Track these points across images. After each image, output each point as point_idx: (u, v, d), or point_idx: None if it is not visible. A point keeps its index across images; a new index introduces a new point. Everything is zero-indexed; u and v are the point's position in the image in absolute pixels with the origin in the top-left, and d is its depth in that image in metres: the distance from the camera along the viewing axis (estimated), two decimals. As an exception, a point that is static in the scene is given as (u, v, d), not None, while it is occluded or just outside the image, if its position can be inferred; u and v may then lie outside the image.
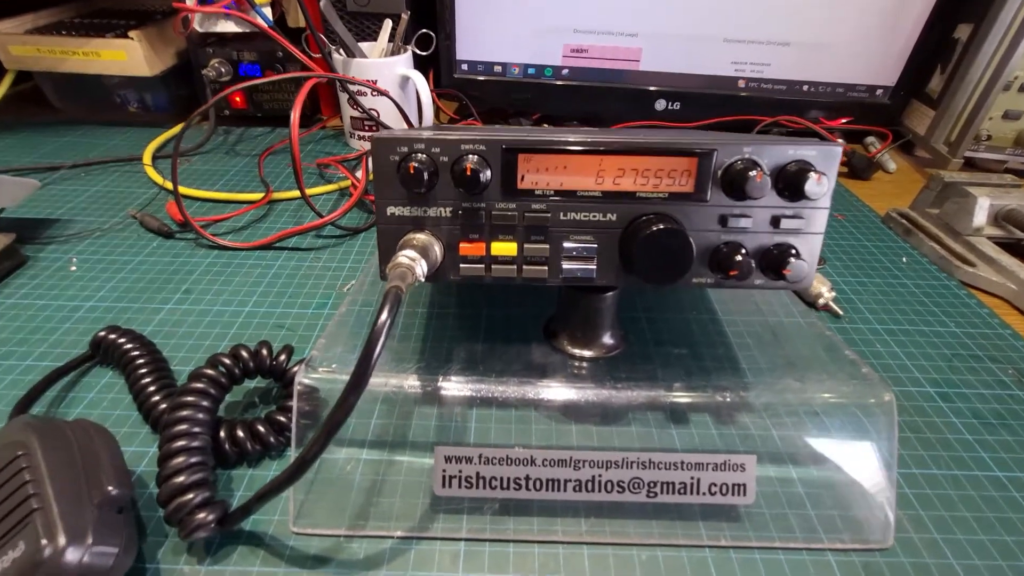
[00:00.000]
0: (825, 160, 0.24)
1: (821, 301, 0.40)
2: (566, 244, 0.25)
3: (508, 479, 0.25)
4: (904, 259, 0.47)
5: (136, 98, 0.69)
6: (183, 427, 0.25)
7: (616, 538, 0.25)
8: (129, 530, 0.22)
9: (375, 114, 0.60)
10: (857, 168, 0.62)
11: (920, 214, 0.51)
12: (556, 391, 0.27)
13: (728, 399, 0.27)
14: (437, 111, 0.70)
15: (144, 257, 0.44)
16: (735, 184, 0.24)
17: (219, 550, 0.25)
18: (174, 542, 0.25)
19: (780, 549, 0.25)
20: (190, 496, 0.23)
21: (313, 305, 0.40)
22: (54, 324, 0.37)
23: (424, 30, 0.64)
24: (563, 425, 0.30)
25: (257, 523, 0.26)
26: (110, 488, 0.22)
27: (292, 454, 0.28)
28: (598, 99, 0.69)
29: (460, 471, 0.25)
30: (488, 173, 0.24)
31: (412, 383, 0.27)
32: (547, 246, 0.25)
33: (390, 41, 0.62)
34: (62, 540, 0.20)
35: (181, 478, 0.23)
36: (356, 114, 0.62)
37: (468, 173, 0.23)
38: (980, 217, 0.46)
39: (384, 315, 0.19)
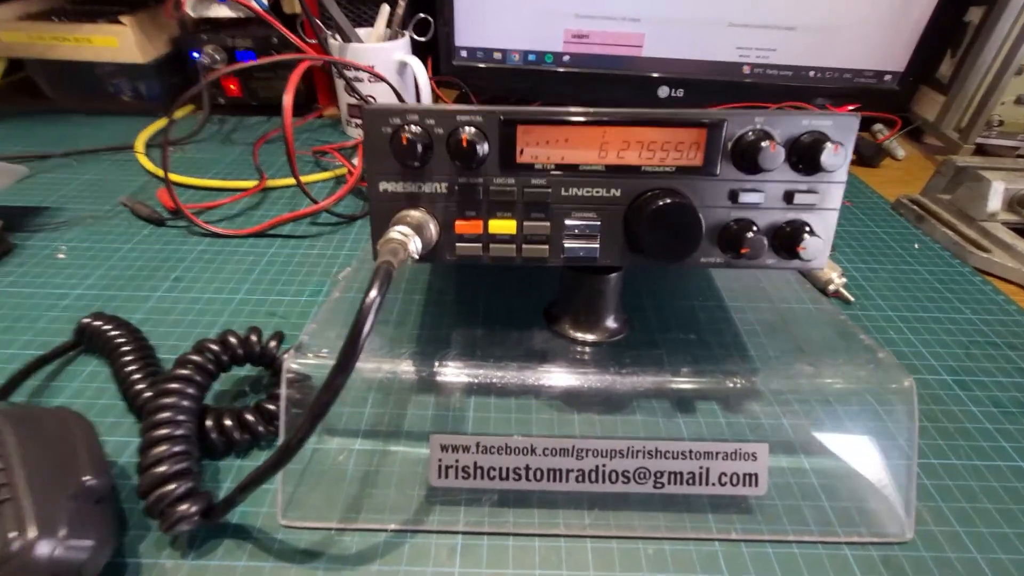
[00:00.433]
0: (842, 130, 0.22)
1: (831, 287, 0.38)
2: (568, 222, 0.24)
3: (507, 469, 0.24)
4: (916, 245, 0.46)
5: (129, 87, 0.67)
6: (166, 415, 0.24)
7: (621, 531, 0.24)
8: (107, 522, 0.21)
9: (372, 101, 0.59)
10: (865, 155, 0.61)
11: (932, 200, 0.49)
12: (557, 377, 0.26)
13: (737, 385, 0.26)
14: (436, 99, 0.69)
15: (134, 245, 0.43)
16: (746, 156, 0.22)
17: (204, 544, 0.23)
18: (157, 535, 0.24)
19: (794, 543, 0.24)
20: (172, 487, 0.22)
21: (307, 293, 0.39)
22: (40, 312, 0.36)
23: (422, 15, 0.62)
24: (565, 414, 0.29)
25: (244, 515, 0.25)
26: (86, 478, 0.21)
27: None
28: (600, 86, 0.68)
29: (457, 460, 0.24)
30: (485, 146, 0.23)
31: (406, 369, 0.26)
32: (548, 224, 0.24)
33: (387, 27, 0.61)
34: (33, 532, 0.19)
35: (163, 468, 0.22)
36: (353, 102, 0.60)
37: (464, 145, 0.22)
38: (995, 202, 0.44)
39: (373, 292, 0.18)
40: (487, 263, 0.25)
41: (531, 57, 0.67)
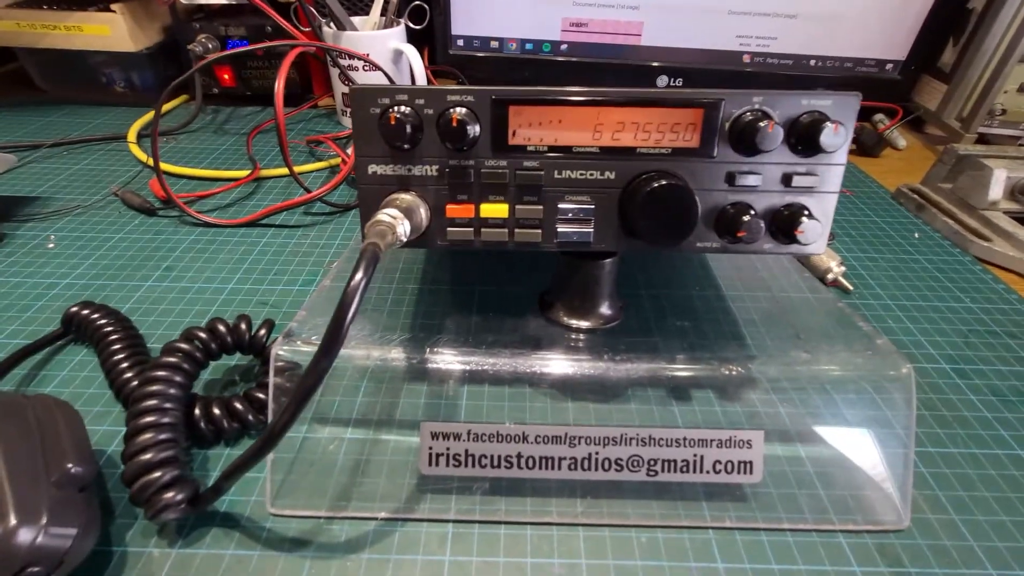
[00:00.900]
0: (842, 110, 0.22)
1: (830, 276, 0.38)
2: (561, 205, 0.24)
3: (499, 457, 0.23)
4: (916, 235, 0.45)
5: (122, 77, 0.67)
6: (153, 402, 0.23)
7: (614, 519, 0.24)
8: (91, 510, 0.21)
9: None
10: (866, 145, 0.60)
11: (932, 189, 0.49)
12: (551, 363, 0.26)
13: (733, 372, 0.26)
14: (432, 89, 0.68)
15: (125, 235, 0.43)
16: (744, 137, 0.22)
17: (191, 532, 0.23)
18: (144, 524, 0.23)
19: (789, 531, 0.24)
20: (157, 474, 0.22)
21: (299, 283, 0.38)
22: (28, 302, 0.36)
23: (418, 2, 0.62)
24: (559, 403, 0.28)
25: (233, 504, 0.24)
26: (70, 466, 0.21)
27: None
28: (598, 76, 0.67)
29: (448, 448, 0.23)
30: (477, 128, 0.22)
31: (398, 356, 0.26)
32: (540, 207, 0.24)
33: (382, 15, 0.60)
34: (13, 520, 0.18)
35: (148, 455, 0.22)
36: (347, 90, 0.60)
37: (454, 125, 0.21)
38: (996, 190, 0.44)
39: (359, 274, 0.18)
40: (479, 248, 0.24)
41: (528, 46, 0.66)
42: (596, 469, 0.23)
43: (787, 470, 0.25)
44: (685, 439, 0.23)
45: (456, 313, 0.31)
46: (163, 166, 0.51)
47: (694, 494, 0.24)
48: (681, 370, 0.26)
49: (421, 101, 0.22)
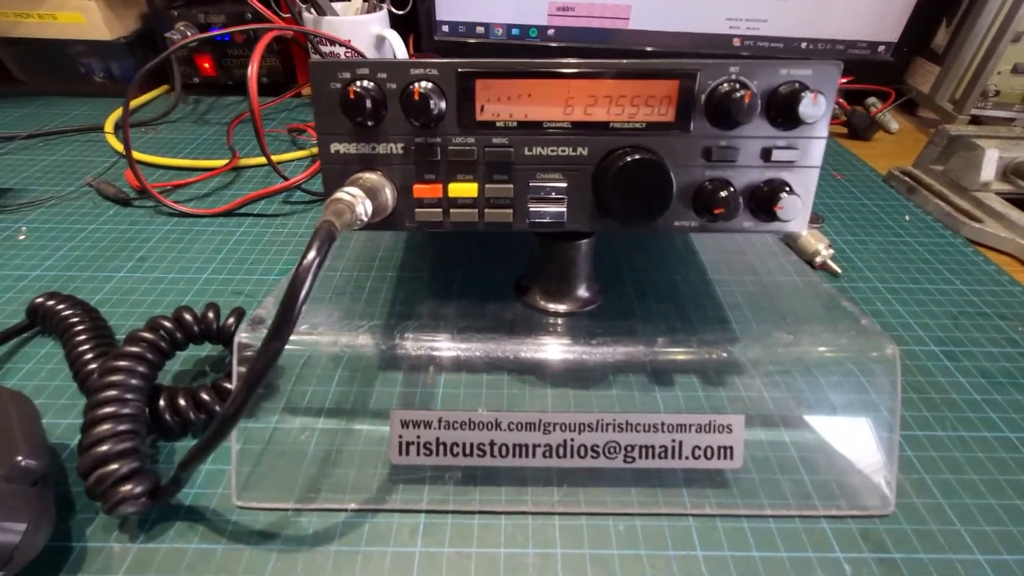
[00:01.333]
0: (822, 80, 0.21)
1: (818, 259, 0.37)
2: (532, 184, 0.23)
3: (471, 445, 0.23)
4: (907, 217, 0.44)
5: (101, 67, 0.65)
6: (111, 392, 0.23)
7: (591, 507, 0.23)
8: (44, 505, 0.20)
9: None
10: (858, 128, 0.59)
11: (924, 171, 0.48)
12: (526, 347, 0.25)
13: (715, 355, 0.25)
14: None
15: (98, 225, 0.42)
16: (721, 109, 0.21)
17: (154, 526, 0.22)
18: (105, 519, 0.23)
19: (771, 517, 0.23)
20: (115, 466, 0.21)
21: (276, 272, 0.37)
22: (-5, 294, 0.35)
23: (400, -13, 0.60)
24: (538, 390, 0.28)
25: (198, 498, 0.24)
26: (20, 459, 0.20)
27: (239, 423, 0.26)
28: (586, 61, 0.66)
29: (418, 437, 0.23)
30: (443, 103, 0.21)
31: (369, 341, 0.25)
32: (511, 186, 0.23)
33: (364, 0, 0.59)
34: (-43, 514, 0.17)
35: (105, 447, 0.21)
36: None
37: (416, 99, 0.20)
38: (988, 171, 0.43)
39: (311, 254, 0.17)
40: (449, 230, 0.23)
41: (515, 31, 0.65)
42: (572, 456, 0.23)
43: (770, 455, 0.25)
44: (663, 424, 0.23)
45: (433, 300, 0.30)
46: (141, 156, 0.50)
47: (673, 481, 0.24)
48: (661, 353, 0.25)
49: (383, 75, 0.21)
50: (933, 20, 0.61)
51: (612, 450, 0.23)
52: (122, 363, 0.24)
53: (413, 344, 0.25)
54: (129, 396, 0.23)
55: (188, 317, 0.27)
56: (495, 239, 0.37)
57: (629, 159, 0.21)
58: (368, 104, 0.21)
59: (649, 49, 0.64)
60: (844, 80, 0.63)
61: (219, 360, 0.30)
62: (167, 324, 0.26)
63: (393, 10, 0.60)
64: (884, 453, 0.24)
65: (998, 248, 0.41)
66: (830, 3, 0.60)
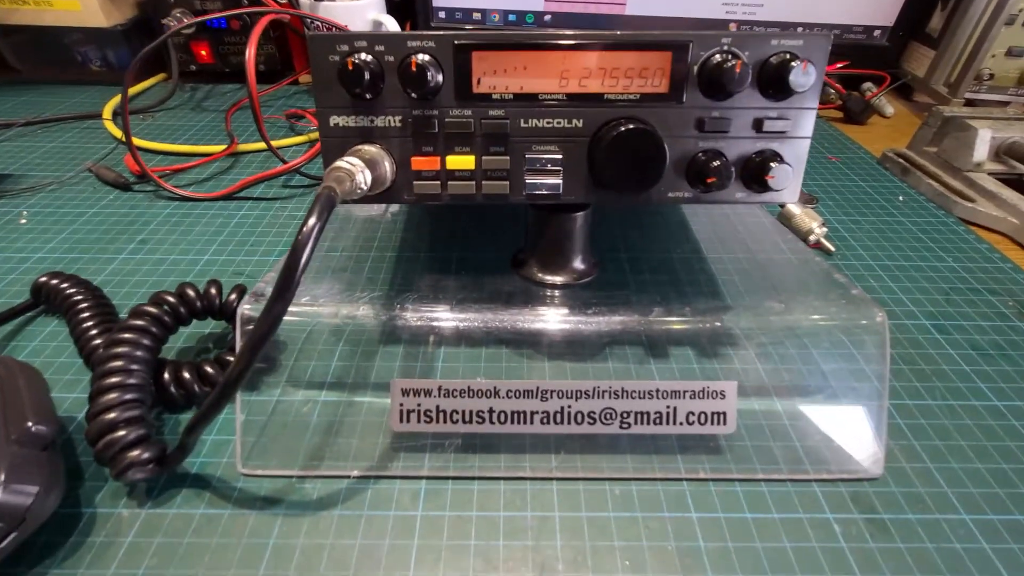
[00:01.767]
0: (812, 50, 0.21)
1: (812, 238, 0.38)
2: (528, 155, 0.23)
3: (470, 412, 0.23)
4: (901, 198, 0.45)
5: (98, 55, 0.65)
6: (118, 363, 0.23)
7: (588, 473, 0.24)
8: (54, 469, 0.21)
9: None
10: (853, 112, 0.60)
11: (918, 153, 0.48)
12: (521, 319, 0.25)
13: (708, 325, 0.25)
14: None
15: (99, 209, 0.42)
16: (713, 80, 0.21)
17: (161, 493, 0.23)
18: (114, 486, 0.23)
19: (763, 481, 0.24)
20: (122, 433, 0.21)
21: (276, 253, 0.38)
22: (-2, 276, 0.35)
23: (396, -27, 0.60)
24: (535, 362, 0.28)
25: (204, 466, 0.24)
26: (30, 424, 0.20)
27: (242, 393, 0.27)
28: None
29: (419, 405, 0.23)
30: (440, 76, 0.22)
31: (369, 313, 0.25)
32: (507, 158, 0.23)
33: (361, -14, 0.59)
34: (-30, 476, 0.18)
35: (113, 414, 0.22)
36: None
37: (414, 70, 0.21)
38: (981, 151, 0.43)
39: (312, 219, 0.17)
40: (447, 202, 0.24)
41: (511, 17, 0.65)
42: (569, 423, 0.23)
43: (762, 423, 0.25)
44: (658, 391, 0.23)
45: (432, 275, 0.31)
46: (139, 142, 0.50)
47: (668, 447, 0.24)
48: (656, 323, 0.26)
49: (381, 47, 0.21)
50: (928, 4, 0.62)
51: (608, 416, 0.23)
52: (128, 335, 0.24)
53: (413, 315, 0.25)
54: (135, 367, 0.24)
55: (191, 293, 0.27)
56: (491, 219, 0.37)
57: (624, 129, 0.21)
58: (366, 76, 0.21)
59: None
60: (840, 64, 0.63)
61: (221, 337, 0.31)
62: (170, 299, 0.27)
63: (390, -4, 0.60)
64: (873, 419, 0.25)
65: (990, 227, 0.41)
66: (826, -13, 0.60)
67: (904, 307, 0.33)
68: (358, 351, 0.29)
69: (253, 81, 0.39)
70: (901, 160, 0.48)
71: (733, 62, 0.20)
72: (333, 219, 0.38)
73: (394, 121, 0.23)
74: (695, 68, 0.22)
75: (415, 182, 0.23)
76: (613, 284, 0.29)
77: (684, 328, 0.26)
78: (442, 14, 0.65)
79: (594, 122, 0.23)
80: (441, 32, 0.21)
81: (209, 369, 0.26)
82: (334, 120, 0.23)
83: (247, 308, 0.24)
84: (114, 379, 0.23)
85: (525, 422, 0.23)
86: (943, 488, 0.24)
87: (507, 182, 0.23)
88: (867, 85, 0.64)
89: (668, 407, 0.23)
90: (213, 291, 0.28)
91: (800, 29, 0.63)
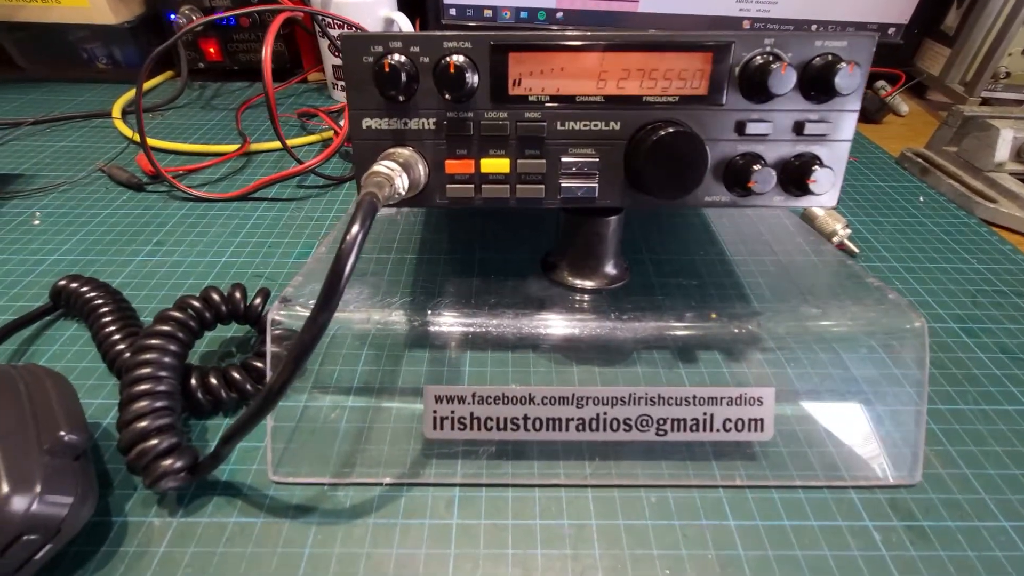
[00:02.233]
0: (857, 50, 0.21)
1: (836, 239, 0.37)
2: (564, 159, 0.23)
3: (504, 419, 0.23)
4: (921, 198, 0.45)
5: (104, 53, 0.64)
6: (147, 371, 0.23)
7: (623, 480, 0.23)
8: (87, 478, 0.20)
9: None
10: (868, 111, 0.59)
11: (937, 153, 0.48)
12: (555, 324, 0.25)
13: (742, 330, 0.25)
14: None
15: (113, 210, 0.41)
16: (755, 82, 0.21)
17: (192, 501, 0.23)
18: (144, 494, 0.23)
19: (800, 488, 0.23)
20: (155, 441, 0.21)
21: (294, 255, 0.37)
22: (15, 278, 0.35)
23: (408, -31, 0.60)
24: (564, 367, 0.28)
25: (234, 474, 0.24)
26: (62, 433, 0.20)
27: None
28: (595, 45, 0.65)
29: (452, 412, 0.23)
30: (476, 77, 0.21)
31: (398, 318, 0.25)
32: (543, 161, 0.23)
33: (372, -17, 0.58)
34: (5, 488, 0.18)
35: (144, 423, 0.21)
36: (338, 62, 0.58)
37: (452, 71, 0.20)
38: (1003, 151, 0.43)
39: (355, 227, 0.17)
40: (480, 206, 0.23)
41: (523, 15, 0.64)
42: (604, 430, 0.23)
43: (796, 429, 0.25)
44: (695, 398, 0.23)
45: (456, 277, 0.30)
46: (150, 141, 0.49)
47: (703, 453, 0.24)
48: (689, 328, 0.25)
49: (416, 48, 0.21)
50: (944, 2, 0.61)
51: (644, 423, 0.23)
52: (155, 341, 0.24)
53: (444, 320, 0.25)
54: (163, 374, 0.23)
55: (216, 297, 0.27)
56: (510, 220, 0.37)
57: (665, 133, 0.21)
58: (402, 78, 0.20)
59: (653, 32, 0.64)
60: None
61: (243, 341, 0.31)
62: (196, 304, 0.26)
63: (401, -7, 0.60)
64: (910, 424, 0.24)
65: (1013, 228, 0.41)
66: (841, -16, 0.60)
67: (931, 310, 0.33)
68: (383, 356, 0.28)
69: (270, 81, 0.39)
70: (920, 160, 0.48)
71: (778, 64, 0.20)
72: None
73: (428, 123, 0.22)
74: (736, 69, 0.21)
75: (448, 186, 0.23)
76: (642, 288, 0.28)
77: (719, 333, 0.25)
78: (453, 11, 0.64)
79: (632, 124, 0.22)
80: (477, 32, 0.21)
81: (236, 375, 0.26)
82: (367, 122, 0.22)
83: (279, 315, 0.24)
84: (144, 386, 0.22)
85: (560, 429, 0.23)
86: (981, 495, 0.23)
87: (542, 185, 0.23)
88: (881, 83, 0.63)
89: (705, 414, 0.23)
90: (238, 295, 0.28)
91: (815, 27, 0.63)
